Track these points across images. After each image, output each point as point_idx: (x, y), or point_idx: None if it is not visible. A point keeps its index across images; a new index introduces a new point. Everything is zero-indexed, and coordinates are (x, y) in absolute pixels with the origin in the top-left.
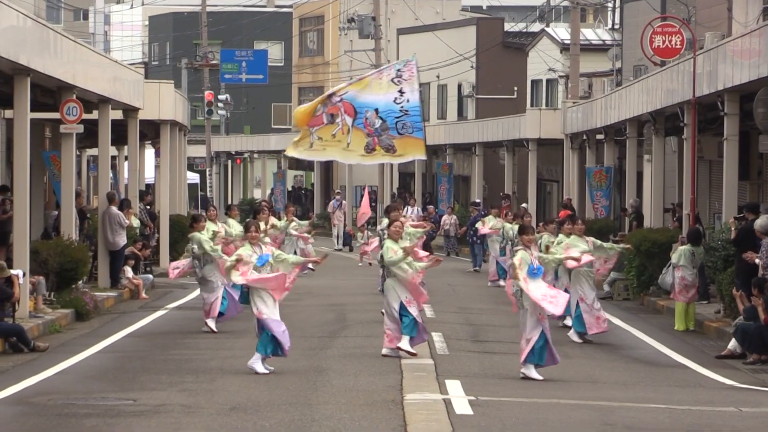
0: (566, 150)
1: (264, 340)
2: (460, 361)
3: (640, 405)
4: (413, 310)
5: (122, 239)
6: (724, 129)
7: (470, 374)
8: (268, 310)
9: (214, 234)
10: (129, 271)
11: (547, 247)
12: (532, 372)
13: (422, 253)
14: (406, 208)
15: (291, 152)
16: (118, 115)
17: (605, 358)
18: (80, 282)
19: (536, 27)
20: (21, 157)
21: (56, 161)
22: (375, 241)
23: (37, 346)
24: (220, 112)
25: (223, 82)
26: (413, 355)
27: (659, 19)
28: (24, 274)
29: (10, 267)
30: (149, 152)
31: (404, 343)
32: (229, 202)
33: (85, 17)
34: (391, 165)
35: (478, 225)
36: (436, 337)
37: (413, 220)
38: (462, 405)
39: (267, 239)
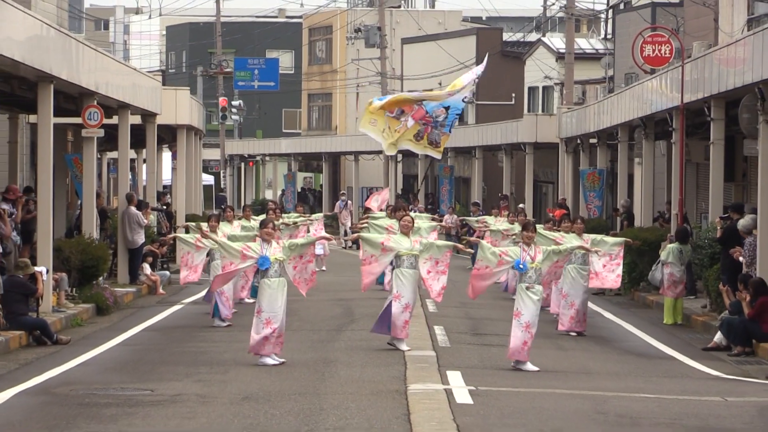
0: (561, 153)
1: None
2: (460, 353)
3: (631, 394)
4: (396, 306)
5: (141, 238)
6: (710, 133)
7: (470, 365)
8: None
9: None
10: (147, 268)
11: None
12: (527, 365)
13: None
14: (411, 208)
15: (364, 127)
16: (136, 119)
17: (598, 350)
18: (101, 278)
19: (533, 37)
20: (44, 160)
21: (78, 164)
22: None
23: (59, 339)
24: (233, 117)
25: (237, 88)
26: (397, 348)
27: (649, 30)
28: (47, 271)
29: (34, 264)
30: (166, 155)
31: (378, 327)
32: (243, 202)
33: (106, 27)
34: (396, 167)
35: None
36: (438, 330)
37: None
38: (462, 395)
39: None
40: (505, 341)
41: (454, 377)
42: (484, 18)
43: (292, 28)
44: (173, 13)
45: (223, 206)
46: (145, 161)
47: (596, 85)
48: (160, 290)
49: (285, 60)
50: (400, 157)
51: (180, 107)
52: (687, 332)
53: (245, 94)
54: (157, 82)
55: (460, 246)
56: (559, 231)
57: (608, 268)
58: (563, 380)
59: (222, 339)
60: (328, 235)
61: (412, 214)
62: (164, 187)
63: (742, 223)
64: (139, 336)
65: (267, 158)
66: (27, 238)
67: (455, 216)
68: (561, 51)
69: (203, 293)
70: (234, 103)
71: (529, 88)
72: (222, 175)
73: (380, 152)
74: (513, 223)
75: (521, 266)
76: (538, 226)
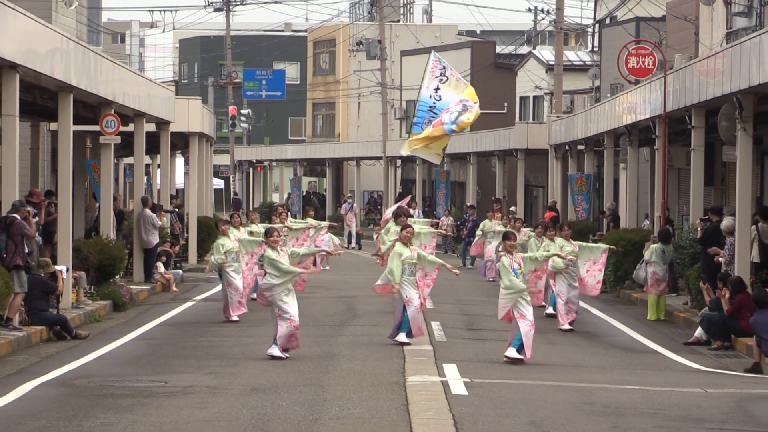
0: (551, 159)
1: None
2: (456, 347)
3: (617, 386)
4: (411, 310)
5: (155, 238)
6: (691, 140)
7: (465, 359)
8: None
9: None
10: (161, 267)
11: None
12: (514, 353)
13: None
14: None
15: (411, 151)
16: (151, 127)
17: (586, 345)
18: (117, 276)
19: (524, 49)
20: (64, 165)
21: (96, 169)
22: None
23: (78, 334)
24: (242, 125)
25: (245, 98)
26: (408, 343)
27: (634, 43)
28: (67, 270)
29: (55, 263)
30: (179, 161)
31: (401, 337)
32: (252, 205)
33: (122, 40)
34: (396, 172)
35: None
36: (435, 325)
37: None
38: (458, 386)
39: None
40: (498, 336)
41: (450, 370)
42: (478, 32)
43: (298, 41)
44: (186, 27)
45: (232, 213)
46: (159, 166)
47: (584, 95)
48: (174, 288)
49: (291, 71)
50: (399, 162)
51: (192, 116)
52: (669, 328)
53: (253, 103)
54: (171, 92)
55: (449, 266)
56: (545, 243)
57: (590, 274)
58: (553, 373)
59: (232, 334)
60: (329, 249)
61: (411, 219)
62: (177, 191)
63: (726, 223)
64: (154, 331)
65: (274, 164)
66: (48, 238)
67: (451, 218)
68: (550, 63)
69: (214, 290)
70: (243, 111)
71: (521, 98)
72: (232, 179)
73: (380, 158)
74: (506, 226)
75: (519, 273)
76: (527, 229)
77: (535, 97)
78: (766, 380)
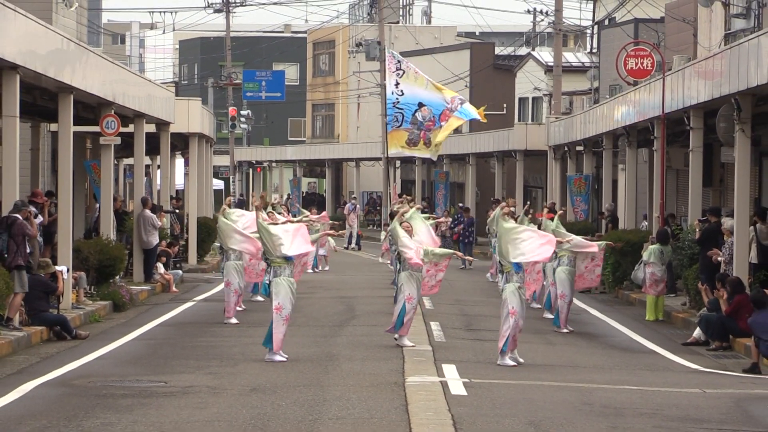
0: (549, 160)
1: (269, 334)
2: (455, 347)
3: (616, 387)
4: (409, 306)
5: (155, 239)
6: (690, 141)
7: (464, 359)
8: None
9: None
10: (161, 267)
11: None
12: (507, 360)
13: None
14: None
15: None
16: (151, 128)
17: (585, 345)
18: (117, 277)
19: (523, 51)
20: (64, 166)
21: (96, 169)
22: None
23: (78, 334)
24: (242, 125)
25: (245, 99)
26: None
27: (632, 44)
28: (67, 270)
29: (55, 264)
30: (179, 161)
31: (404, 341)
32: (250, 207)
33: (122, 41)
34: (395, 173)
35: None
36: (434, 326)
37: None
38: (457, 386)
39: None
40: (497, 336)
41: (449, 370)
42: (477, 33)
43: (297, 43)
44: (186, 29)
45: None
46: (159, 167)
47: (582, 96)
48: (173, 288)
49: (290, 72)
50: (398, 162)
51: (192, 116)
52: (668, 328)
53: (253, 104)
54: (171, 93)
55: (459, 254)
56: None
57: (588, 269)
58: (552, 373)
59: (232, 334)
60: (331, 231)
61: (408, 215)
62: (177, 191)
63: (730, 224)
64: (153, 331)
65: (274, 164)
66: (48, 239)
67: (449, 219)
68: (549, 64)
69: (214, 291)
70: (243, 112)
71: (520, 99)
72: (231, 180)
73: (379, 159)
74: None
75: (517, 266)
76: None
77: (534, 98)
78: (765, 380)
